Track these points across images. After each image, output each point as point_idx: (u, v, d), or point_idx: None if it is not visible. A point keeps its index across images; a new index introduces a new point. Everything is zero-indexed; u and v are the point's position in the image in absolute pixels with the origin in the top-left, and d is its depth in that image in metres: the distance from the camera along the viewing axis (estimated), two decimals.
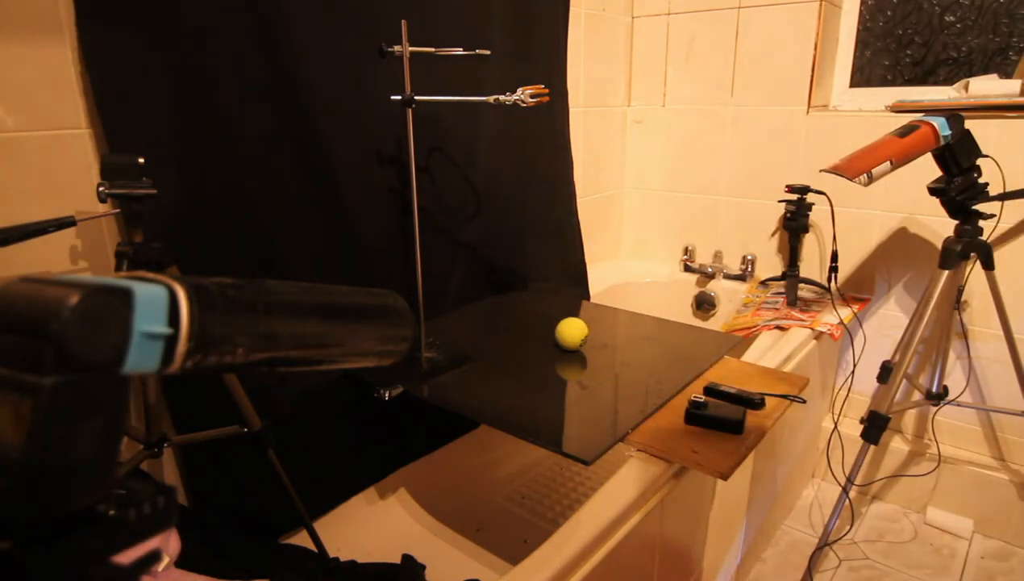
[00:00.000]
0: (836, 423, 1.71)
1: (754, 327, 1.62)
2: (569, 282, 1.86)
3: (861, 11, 1.84)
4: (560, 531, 0.83)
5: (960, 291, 1.49)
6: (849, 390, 1.83)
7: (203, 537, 1.09)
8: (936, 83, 1.77)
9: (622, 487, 0.90)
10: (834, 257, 1.64)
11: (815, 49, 1.75)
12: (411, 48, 1.11)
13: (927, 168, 1.36)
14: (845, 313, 1.66)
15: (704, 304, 2.04)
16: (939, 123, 1.28)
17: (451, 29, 1.36)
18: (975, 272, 1.48)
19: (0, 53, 0.87)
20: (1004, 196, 1.40)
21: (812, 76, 1.77)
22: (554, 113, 1.72)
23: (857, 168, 1.25)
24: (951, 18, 1.72)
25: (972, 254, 1.40)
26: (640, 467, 0.93)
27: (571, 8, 1.72)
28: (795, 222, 1.73)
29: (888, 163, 1.25)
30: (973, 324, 1.64)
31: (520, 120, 1.59)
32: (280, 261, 1.19)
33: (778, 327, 1.58)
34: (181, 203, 1.04)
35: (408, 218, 1.29)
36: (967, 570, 1.55)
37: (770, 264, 1.95)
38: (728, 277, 2.02)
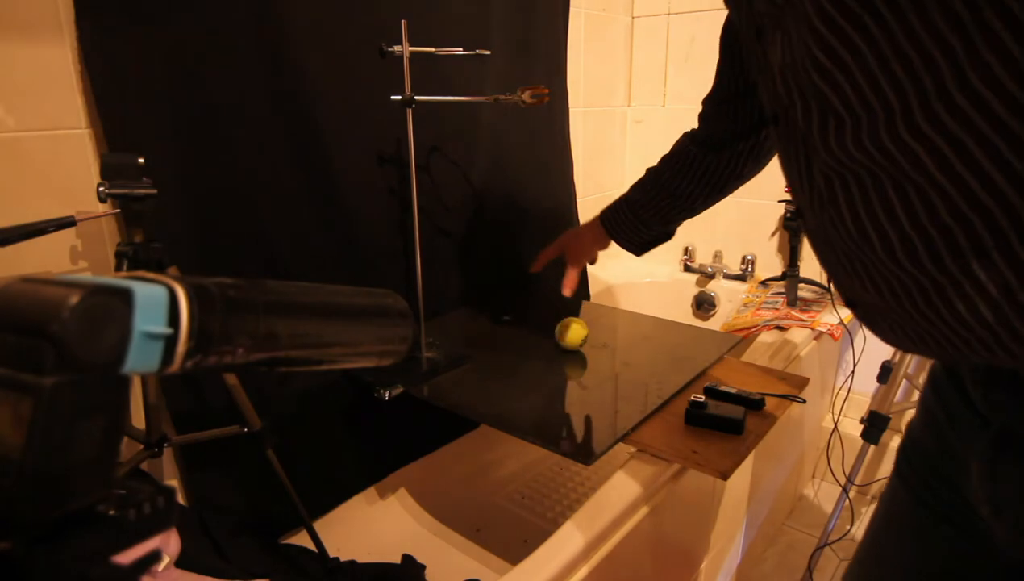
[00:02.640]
0: (836, 423, 1.71)
1: (754, 327, 1.62)
2: None
3: None
4: (560, 531, 0.82)
5: None
6: (849, 390, 1.83)
7: (203, 537, 1.09)
8: None
9: (622, 487, 0.90)
10: None
11: None
12: (411, 48, 1.11)
13: None
14: (845, 313, 1.66)
15: (704, 304, 2.04)
16: None
17: (451, 29, 1.36)
18: None
19: (0, 53, 0.87)
20: None
21: None
22: (554, 113, 1.72)
23: None
24: None
25: None
26: (640, 467, 0.93)
27: (571, 8, 1.72)
28: (795, 222, 1.73)
29: None
30: None
31: (520, 120, 1.59)
32: (280, 261, 1.19)
33: (778, 327, 1.58)
34: (181, 203, 1.04)
35: (408, 218, 1.29)
36: None
37: (770, 264, 1.95)
38: (728, 277, 2.02)
